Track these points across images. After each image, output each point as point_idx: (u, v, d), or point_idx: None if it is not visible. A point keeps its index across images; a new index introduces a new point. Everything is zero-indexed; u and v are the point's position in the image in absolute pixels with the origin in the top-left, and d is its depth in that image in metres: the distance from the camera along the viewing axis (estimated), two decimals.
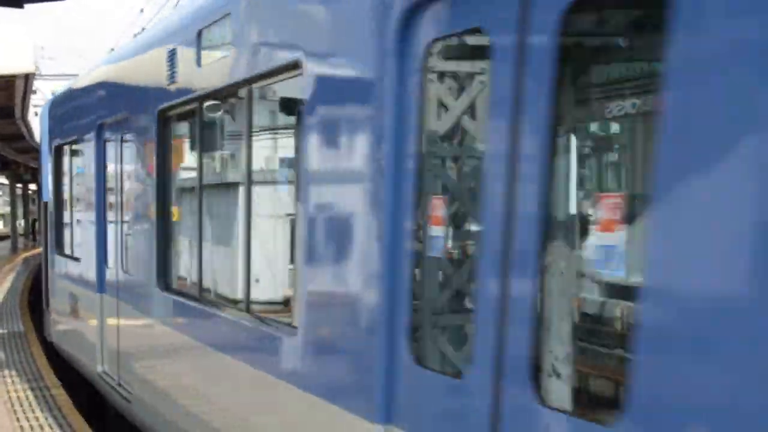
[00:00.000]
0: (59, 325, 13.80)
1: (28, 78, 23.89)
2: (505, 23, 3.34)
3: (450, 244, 4.24)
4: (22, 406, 10.76)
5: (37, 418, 10.09)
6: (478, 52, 3.69)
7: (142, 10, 29.35)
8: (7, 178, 52.30)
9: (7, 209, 61.14)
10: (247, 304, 6.00)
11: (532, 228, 3.18)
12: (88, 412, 11.10)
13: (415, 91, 3.92)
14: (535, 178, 3.17)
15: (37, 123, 26.58)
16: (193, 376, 7.15)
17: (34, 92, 34.43)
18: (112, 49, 33.02)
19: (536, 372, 3.24)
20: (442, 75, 4.10)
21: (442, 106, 4.12)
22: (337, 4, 4.75)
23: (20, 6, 9.96)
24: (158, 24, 9.16)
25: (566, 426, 3.10)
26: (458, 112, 4.12)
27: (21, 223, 57.18)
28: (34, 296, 21.15)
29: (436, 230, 4.08)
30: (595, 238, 3.52)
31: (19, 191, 55.48)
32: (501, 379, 3.32)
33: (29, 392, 11.52)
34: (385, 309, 4.08)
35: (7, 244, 49.29)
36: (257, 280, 6.15)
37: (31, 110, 32.55)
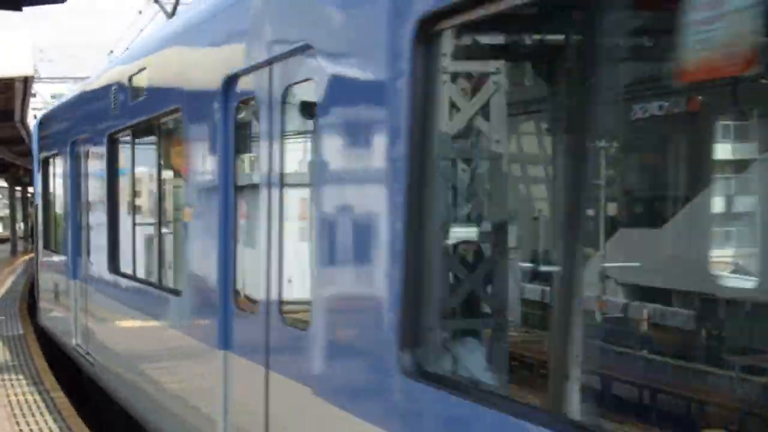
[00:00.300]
0: (46, 309, 17.10)
1: (27, 81, 24.90)
2: (262, 93, 6.25)
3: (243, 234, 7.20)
4: (21, 409, 11.32)
5: (37, 422, 10.65)
6: (254, 114, 6.60)
7: (140, 12, 31.81)
8: (6, 180, 53.63)
9: (7, 212, 63.24)
10: (159, 279, 9.02)
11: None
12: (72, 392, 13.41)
13: (232, 135, 6.87)
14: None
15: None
16: (127, 334, 10.26)
17: (33, 95, 36.44)
18: (111, 52, 35.44)
19: (281, 306, 6.11)
20: (246, 124, 7.02)
21: (251, 139, 7.08)
22: (194, 72, 7.71)
23: (18, 9, 10.94)
24: (113, 62, 12.25)
25: (291, 333, 5.98)
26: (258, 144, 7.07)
27: (21, 225, 59.13)
28: (33, 300, 21.69)
29: (244, 224, 7.03)
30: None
31: (18, 194, 56.90)
32: (268, 314, 6.24)
33: (29, 396, 12.13)
34: (221, 275, 7.00)
35: (7, 246, 51.08)
36: (168, 263, 9.16)
37: (30, 113, 33.60)
